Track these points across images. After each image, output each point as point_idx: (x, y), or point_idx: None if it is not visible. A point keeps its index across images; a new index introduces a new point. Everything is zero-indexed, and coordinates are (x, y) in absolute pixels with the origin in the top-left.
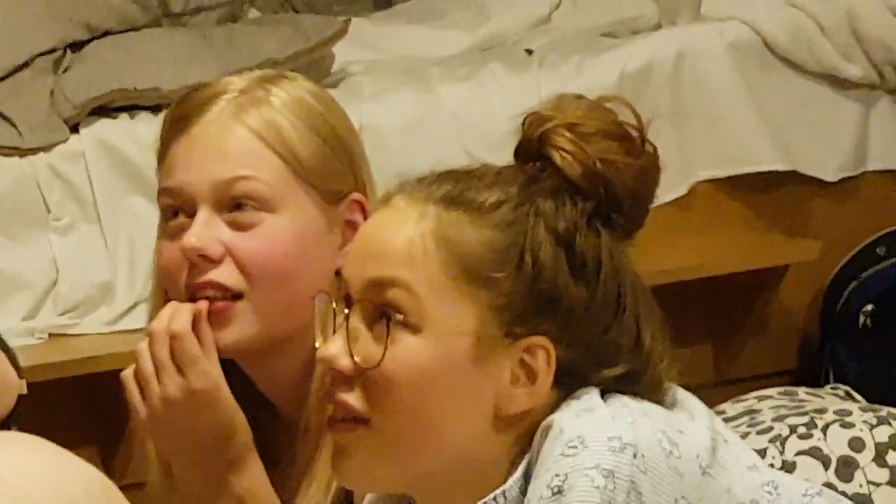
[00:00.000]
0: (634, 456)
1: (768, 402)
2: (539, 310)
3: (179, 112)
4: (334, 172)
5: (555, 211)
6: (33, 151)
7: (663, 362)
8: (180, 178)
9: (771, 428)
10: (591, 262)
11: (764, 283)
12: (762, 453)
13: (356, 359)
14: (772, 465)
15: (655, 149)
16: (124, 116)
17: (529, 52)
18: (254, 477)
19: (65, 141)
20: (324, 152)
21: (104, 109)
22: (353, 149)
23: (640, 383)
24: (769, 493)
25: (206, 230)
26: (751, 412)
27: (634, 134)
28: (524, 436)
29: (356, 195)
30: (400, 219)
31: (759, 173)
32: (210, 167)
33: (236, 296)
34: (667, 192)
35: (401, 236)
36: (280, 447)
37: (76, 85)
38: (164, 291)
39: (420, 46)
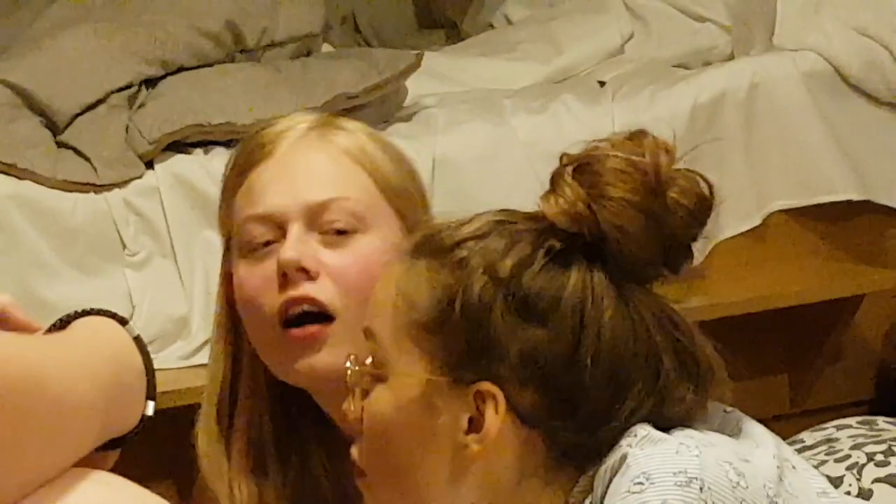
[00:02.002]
0: (701, 490)
1: (847, 430)
2: (482, 354)
3: (256, 142)
4: (413, 202)
5: (503, 249)
6: (108, 187)
7: (691, 393)
8: (270, 202)
9: (848, 456)
10: (546, 300)
11: (840, 313)
12: (839, 480)
13: (349, 416)
14: (848, 493)
15: (691, 191)
16: (199, 152)
17: (602, 83)
18: None
19: (140, 176)
20: (405, 180)
21: (179, 145)
22: (422, 185)
23: (659, 418)
24: None
25: (302, 245)
26: (829, 441)
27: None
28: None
29: (427, 219)
30: (388, 272)
31: (834, 203)
32: (302, 190)
33: (328, 319)
34: (741, 222)
35: (379, 288)
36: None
37: (151, 121)
38: (229, 322)
39: (493, 78)
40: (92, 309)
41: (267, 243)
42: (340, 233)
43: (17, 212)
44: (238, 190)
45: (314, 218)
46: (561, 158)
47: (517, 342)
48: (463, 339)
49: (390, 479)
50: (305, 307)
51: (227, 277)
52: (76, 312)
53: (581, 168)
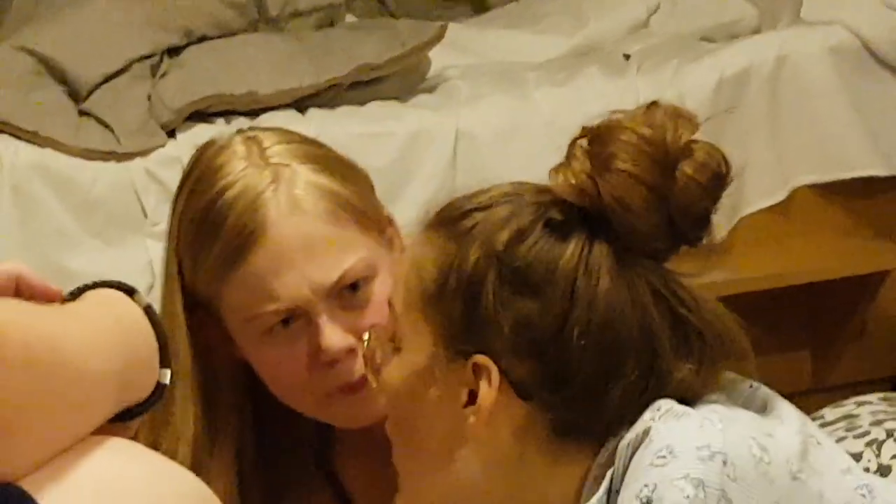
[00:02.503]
0: (724, 464)
1: (867, 407)
2: (478, 327)
3: (231, 242)
4: (373, 201)
5: (503, 221)
6: (130, 156)
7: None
8: (285, 295)
9: (868, 432)
10: (540, 272)
11: (863, 289)
12: (858, 457)
13: (373, 384)
14: (867, 469)
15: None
16: (220, 121)
17: (627, 56)
18: None
19: (162, 146)
20: (362, 189)
21: (201, 114)
22: (365, 172)
23: (654, 398)
24: (863, 496)
25: (338, 329)
26: (849, 417)
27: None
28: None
29: (388, 216)
30: (410, 247)
31: (859, 178)
32: (313, 275)
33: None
34: (765, 197)
35: (400, 260)
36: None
37: (173, 90)
38: (201, 376)
39: (517, 51)
40: (101, 281)
41: (285, 321)
42: (355, 286)
43: (39, 181)
44: (227, 278)
45: (332, 293)
46: (581, 130)
47: (510, 315)
48: (459, 311)
49: (406, 452)
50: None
51: (193, 330)
52: (85, 286)
53: (594, 140)
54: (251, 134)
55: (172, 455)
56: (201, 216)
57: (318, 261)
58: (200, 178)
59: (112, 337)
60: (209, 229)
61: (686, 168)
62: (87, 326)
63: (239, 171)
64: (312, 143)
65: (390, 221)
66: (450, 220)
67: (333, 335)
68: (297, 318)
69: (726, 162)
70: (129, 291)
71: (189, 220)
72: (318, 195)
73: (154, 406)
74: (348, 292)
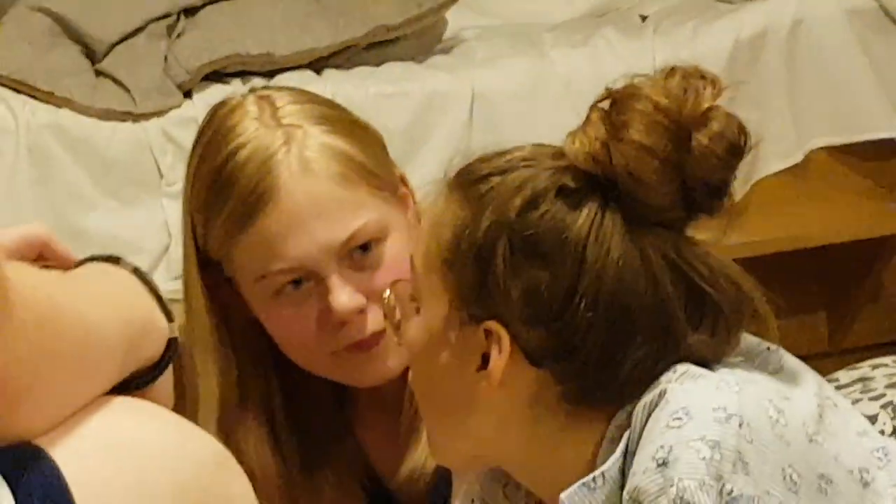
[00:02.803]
0: (740, 426)
1: (882, 370)
2: (489, 292)
3: (242, 203)
4: (385, 162)
5: (518, 187)
6: (146, 117)
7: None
8: (294, 255)
9: (883, 394)
10: (551, 240)
11: (880, 251)
12: (873, 419)
13: (397, 341)
14: (882, 432)
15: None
16: (237, 82)
17: (644, 17)
18: None
19: (178, 106)
20: (371, 148)
21: (217, 75)
22: (377, 133)
23: (667, 365)
24: (879, 459)
25: (348, 289)
26: (864, 380)
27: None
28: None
29: (401, 176)
30: (431, 205)
31: (876, 141)
32: (324, 235)
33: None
34: (782, 159)
35: (423, 219)
36: (389, 397)
37: (190, 50)
38: (222, 334)
39: (533, 12)
40: (85, 258)
41: (295, 282)
42: (365, 247)
43: (55, 141)
44: (238, 239)
45: (342, 253)
46: (604, 92)
47: (520, 283)
48: (471, 276)
49: (429, 407)
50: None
51: (211, 290)
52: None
53: (612, 106)
54: (264, 94)
55: (199, 416)
56: (213, 177)
57: (328, 222)
58: (213, 139)
59: (114, 298)
60: (220, 190)
61: (702, 138)
62: (91, 288)
63: (251, 131)
64: (325, 103)
65: (403, 181)
66: (468, 182)
67: (343, 295)
68: (307, 279)
69: (744, 131)
70: (115, 260)
71: (201, 181)
72: (329, 157)
73: (169, 363)
74: (359, 253)
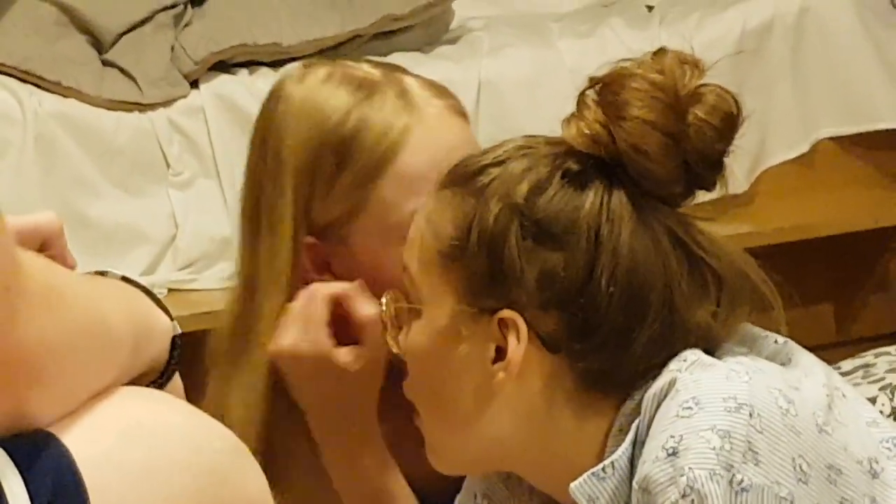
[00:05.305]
0: (750, 416)
1: (885, 357)
2: (501, 281)
3: (379, 145)
4: None
5: (520, 174)
6: (153, 106)
7: (713, 312)
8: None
9: (883, 378)
10: (562, 223)
11: (887, 241)
12: (872, 401)
13: (394, 349)
14: (881, 412)
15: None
16: (244, 72)
17: (650, 7)
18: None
19: (185, 96)
20: None
21: (224, 64)
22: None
23: (674, 345)
24: (888, 449)
25: None
26: (866, 366)
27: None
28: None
29: None
30: (422, 205)
31: (883, 131)
32: None
33: None
34: (788, 149)
35: (414, 222)
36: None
37: (197, 40)
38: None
39: (540, 2)
40: None
41: None
42: None
43: (62, 130)
44: (375, 183)
45: None
46: (589, 80)
47: (534, 267)
48: (482, 267)
49: (434, 413)
50: None
51: (314, 250)
52: None
53: (604, 89)
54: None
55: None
56: (331, 138)
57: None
58: (312, 108)
59: (115, 293)
60: (351, 140)
61: (698, 111)
62: (93, 283)
63: (353, 88)
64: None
65: None
66: (464, 177)
67: None
68: None
69: (737, 103)
70: (102, 274)
71: (312, 148)
72: (439, 93)
73: (177, 363)
74: None
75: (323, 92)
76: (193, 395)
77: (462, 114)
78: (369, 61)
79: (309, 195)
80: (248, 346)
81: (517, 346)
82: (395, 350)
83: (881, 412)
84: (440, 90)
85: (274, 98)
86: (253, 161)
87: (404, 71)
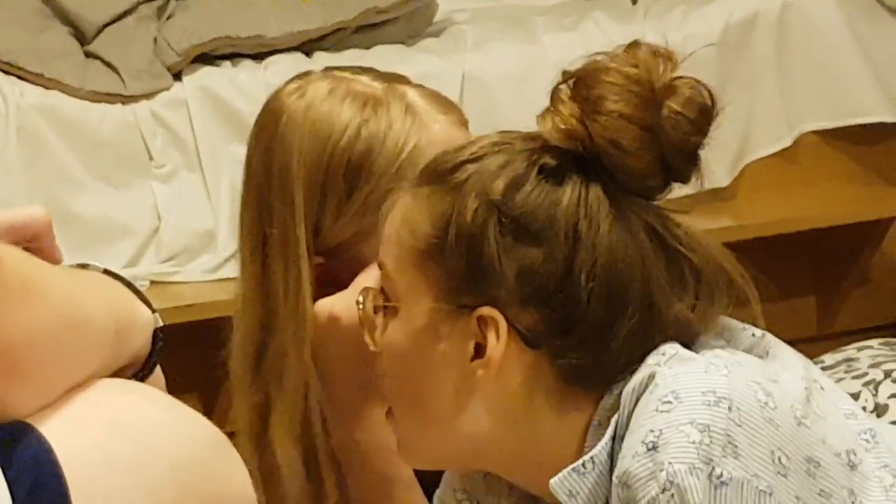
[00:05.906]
0: (729, 409)
1: (868, 351)
2: (480, 278)
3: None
4: None
5: (497, 170)
6: (136, 99)
7: (691, 305)
8: None
9: (866, 373)
10: (540, 218)
11: (869, 236)
12: (855, 396)
13: (372, 347)
14: (864, 408)
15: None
16: (227, 64)
17: (634, 1)
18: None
19: (167, 88)
20: None
21: (207, 57)
22: None
23: (653, 339)
24: (866, 441)
25: None
26: (848, 360)
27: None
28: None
29: None
30: (397, 203)
31: (866, 125)
32: None
33: None
34: (772, 143)
35: (389, 220)
36: None
37: (179, 32)
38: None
39: None
40: None
41: None
42: None
43: (44, 123)
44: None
45: None
46: (562, 75)
47: (513, 263)
48: (461, 264)
49: (410, 411)
50: None
51: (320, 268)
52: None
53: (578, 83)
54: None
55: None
56: (342, 160)
57: None
58: (311, 126)
59: (96, 286)
60: (356, 170)
61: (673, 104)
62: (75, 276)
63: (358, 102)
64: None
65: None
66: (440, 174)
67: None
68: None
69: (712, 96)
70: (83, 266)
71: (322, 169)
72: (436, 99)
73: (158, 356)
74: None
75: (328, 108)
76: (175, 386)
77: (464, 125)
78: (367, 72)
79: (319, 216)
80: (280, 382)
81: (497, 343)
82: (372, 349)
83: (864, 408)
84: (444, 104)
85: (272, 113)
86: (255, 181)
87: (405, 81)
